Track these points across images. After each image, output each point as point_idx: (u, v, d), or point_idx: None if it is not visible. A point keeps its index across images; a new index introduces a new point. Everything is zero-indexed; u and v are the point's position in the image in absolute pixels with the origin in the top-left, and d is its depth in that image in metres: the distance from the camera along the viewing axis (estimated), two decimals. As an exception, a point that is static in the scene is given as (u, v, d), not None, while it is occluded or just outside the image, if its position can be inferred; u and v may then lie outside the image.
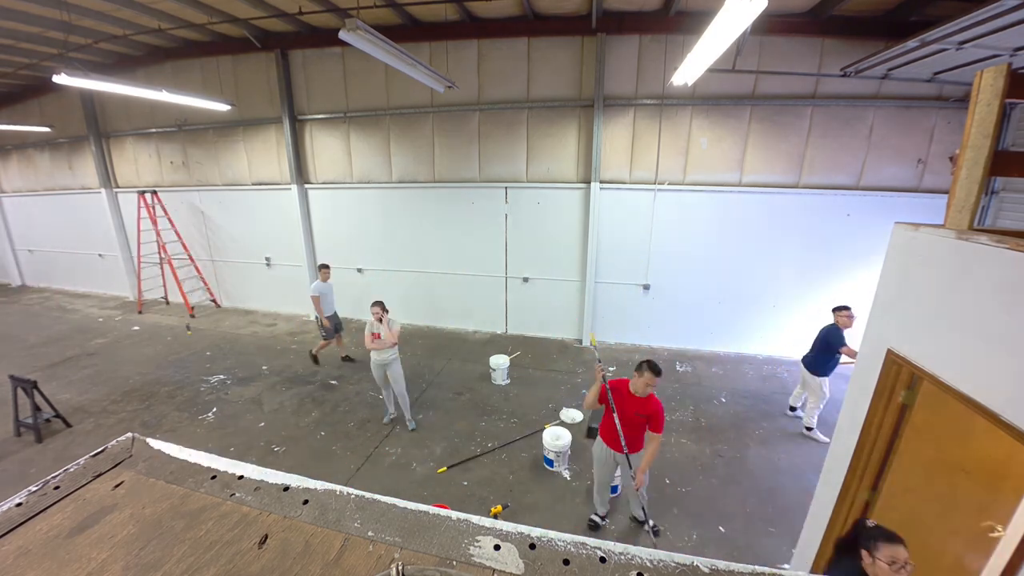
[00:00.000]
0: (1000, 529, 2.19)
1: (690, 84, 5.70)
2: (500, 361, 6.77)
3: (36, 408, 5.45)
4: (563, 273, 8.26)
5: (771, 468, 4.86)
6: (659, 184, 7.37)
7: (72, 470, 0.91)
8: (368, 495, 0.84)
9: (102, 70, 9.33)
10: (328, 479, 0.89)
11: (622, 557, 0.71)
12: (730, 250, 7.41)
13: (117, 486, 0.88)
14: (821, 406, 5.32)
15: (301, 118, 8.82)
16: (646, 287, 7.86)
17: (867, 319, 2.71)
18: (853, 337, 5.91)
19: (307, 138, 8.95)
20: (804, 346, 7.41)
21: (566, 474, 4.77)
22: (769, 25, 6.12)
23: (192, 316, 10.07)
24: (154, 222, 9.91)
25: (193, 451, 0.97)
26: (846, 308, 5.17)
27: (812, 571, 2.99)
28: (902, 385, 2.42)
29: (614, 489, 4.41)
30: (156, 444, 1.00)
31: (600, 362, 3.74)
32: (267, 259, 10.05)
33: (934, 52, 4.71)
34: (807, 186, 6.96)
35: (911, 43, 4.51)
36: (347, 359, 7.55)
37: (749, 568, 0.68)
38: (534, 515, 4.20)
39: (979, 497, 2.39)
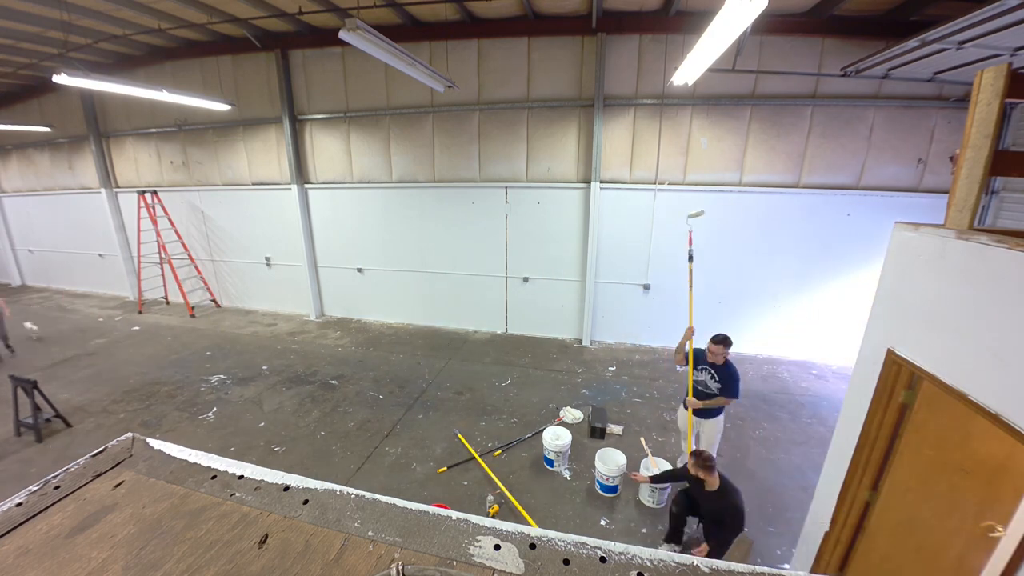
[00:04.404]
0: (1000, 529, 2.19)
1: (690, 84, 5.69)
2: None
3: (36, 408, 5.44)
4: (563, 273, 8.26)
5: (771, 468, 4.86)
6: (659, 184, 7.37)
7: (72, 470, 0.91)
8: (368, 495, 0.84)
9: (102, 70, 9.33)
10: (328, 479, 0.89)
11: (622, 557, 0.71)
12: (730, 250, 7.40)
13: (117, 486, 0.88)
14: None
15: (301, 118, 8.81)
16: (646, 287, 7.85)
17: (867, 319, 2.71)
18: (851, 338, 5.98)
19: (307, 138, 8.94)
20: (804, 345, 7.49)
21: (566, 474, 4.76)
22: (769, 25, 6.11)
23: (192, 316, 10.07)
24: (154, 222, 9.91)
25: (193, 451, 0.97)
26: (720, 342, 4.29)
27: (812, 571, 2.99)
28: (902, 385, 2.42)
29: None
30: (156, 444, 1.00)
31: None
32: (267, 259, 10.05)
33: (934, 52, 4.71)
34: (807, 186, 6.96)
35: (911, 43, 4.51)
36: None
37: (749, 568, 0.68)
38: (534, 515, 4.20)
39: (979, 497, 2.38)
